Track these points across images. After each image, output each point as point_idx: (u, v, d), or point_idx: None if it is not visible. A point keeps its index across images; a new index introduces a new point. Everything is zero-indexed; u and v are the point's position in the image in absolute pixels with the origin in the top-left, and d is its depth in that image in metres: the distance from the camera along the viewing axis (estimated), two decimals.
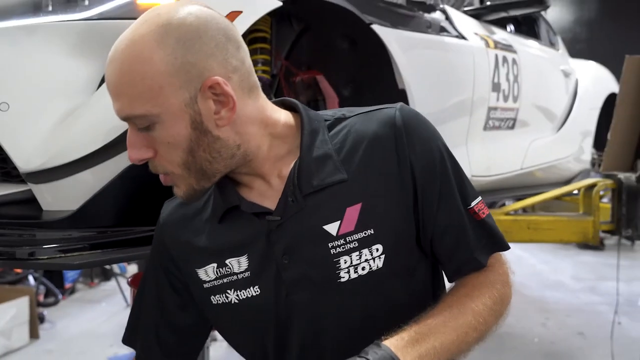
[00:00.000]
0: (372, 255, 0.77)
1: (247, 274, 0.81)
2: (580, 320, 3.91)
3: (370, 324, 0.77)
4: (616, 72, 3.61)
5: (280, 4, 1.30)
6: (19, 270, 4.28)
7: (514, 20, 2.82)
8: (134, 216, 1.15)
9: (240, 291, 0.81)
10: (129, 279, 1.59)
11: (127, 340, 0.95)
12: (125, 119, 0.73)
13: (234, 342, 0.90)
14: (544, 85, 2.90)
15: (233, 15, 1.21)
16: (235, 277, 0.82)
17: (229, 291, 0.82)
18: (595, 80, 3.65)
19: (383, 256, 0.78)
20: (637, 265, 5.09)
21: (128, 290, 4.35)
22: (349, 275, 0.77)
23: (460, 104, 2.08)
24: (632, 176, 2.27)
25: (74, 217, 1.07)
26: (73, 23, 1.11)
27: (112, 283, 4.87)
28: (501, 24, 2.64)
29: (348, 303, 0.79)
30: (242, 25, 1.23)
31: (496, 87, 2.26)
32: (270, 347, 0.84)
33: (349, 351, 0.71)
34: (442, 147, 0.82)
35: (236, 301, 0.82)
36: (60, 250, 1.05)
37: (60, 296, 4.43)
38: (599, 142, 3.51)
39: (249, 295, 0.81)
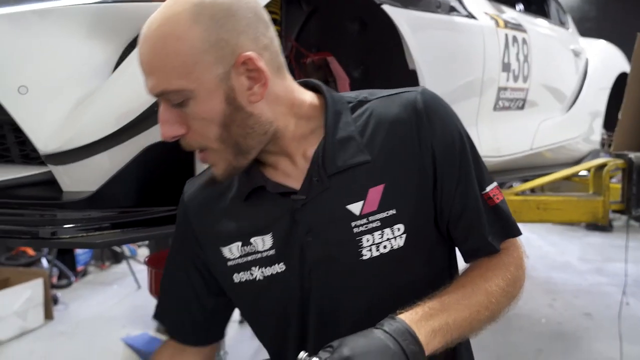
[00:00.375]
0: (393, 234, 0.79)
1: (272, 252, 0.83)
2: (588, 301, 3.93)
3: (389, 301, 0.79)
4: (626, 50, 3.57)
5: None
6: (32, 253, 4.35)
7: None
8: (152, 197, 1.17)
9: (265, 268, 0.83)
10: (146, 259, 1.62)
11: (157, 316, 0.98)
12: (159, 94, 0.74)
13: (254, 320, 0.93)
14: (554, 65, 2.88)
15: None
16: (259, 255, 0.84)
17: (253, 268, 0.84)
18: (606, 60, 3.61)
19: (404, 235, 0.80)
20: None
21: (139, 273, 4.42)
22: (371, 254, 0.79)
23: (470, 85, 2.08)
24: None
25: (93, 198, 1.09)
26: (87, 6, 1.12)
27: (123, 266, 4.93)
28: (510, 2, 2.61)
29: (368, 281, 0.81)
30: None
31: (506, 67, 2.25)
32: (291, 322, 0.86)
33: (365, 328, 0.73)
34: (462, 132, 0.83)
35: (261, 278, 0.84)
36: (81, 229, 1.08)
37: (72, 278, 4.50)
38: (609, 122, 3.49)
39: (275, 272, 0.83)
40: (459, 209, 0.83)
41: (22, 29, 1.08)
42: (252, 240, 0.84)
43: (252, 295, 0.87)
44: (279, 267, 0.83)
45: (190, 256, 0.92)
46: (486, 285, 0.79)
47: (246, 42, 0.73)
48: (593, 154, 3.34)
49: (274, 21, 1.59)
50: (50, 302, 3.73)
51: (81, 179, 1.11)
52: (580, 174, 2.61)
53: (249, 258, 0.84)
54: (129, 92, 1.12)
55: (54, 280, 4.33)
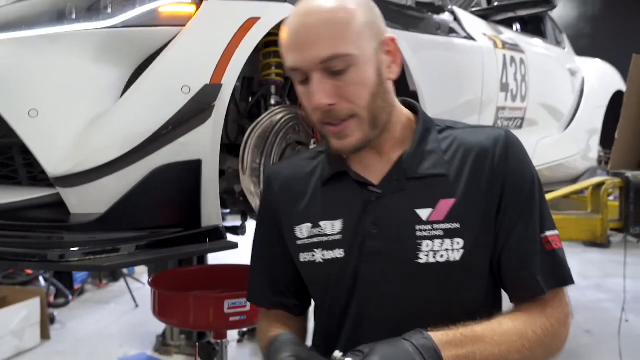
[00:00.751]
0: (452, 247, 0.83)
1: (338, 236, 0.88)
2: (587, 317, 3.92)
3: (425, 313, 0.83)
4: (620, 68, 3.63)
5: None
6: (29, 272, 4.32)
7: (521, 19, 2.83)
8: (160, 219, 1.18)
9: (326, 251, 0.89)
10: (149, 280, 1.62)
11: (250, 298, 1.04)
12: (325, 60, 0.80)
13: (314, 297, 0.98)
14: (551, 84, 2.92)
15: (251, 22, 1.24)
16: (325, 238, 0.89)
17: (316, 250, 0.90)
18: (601, 78, 3.66)
19: (462, 251, 0.83)
20: None
21: (136, 291, 4.39)
22: (428, 259, 0.83)
23: (470, 104, 2.11)
24: None
25: (101, 220, 1.10)
26: (97, 31, 1.14)
27: (120, 284, 4.90)
28: (508, 23, 2.66)
29: (415, 286, 0.85)
30: (260, 31, 1.26)
31: (504, 87, 2.28)
32: (336, 308, 0.90)
33: (394, 331, 0.77)
34: (535, 176, 0.89)
35: (320, 260, 0.89)
36: (89, 252, 1.08)
37: (70, 297, 4.46)
38: (606, 140, 3.53)
39: (334, 257, 0.88)
40: (514, 241, 0.86)
41: (32, 53, 1.09)
42: (321, 223, 0.90)
43: (311, 276, 0.93)
44: (339, 253, 0.88)
45: (274, 230, 0.98)
46: (523, 328, 0.81)
47: (383, 27, 0.86)
48: (590, 172, 3.37)
49: (275, 43, 1.62)
50: (47, 322, 3.69)
51: (90, 201, 1.12)
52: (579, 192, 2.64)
53: (315, 240, 0.90)
54: (138, 115, 1.13)
55: (51, 299, 4.29)
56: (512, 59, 2.36)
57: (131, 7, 1.17)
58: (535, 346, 0.81)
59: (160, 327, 3.49)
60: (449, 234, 0.83)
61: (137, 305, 4.31)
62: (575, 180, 3.27)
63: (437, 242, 0.83)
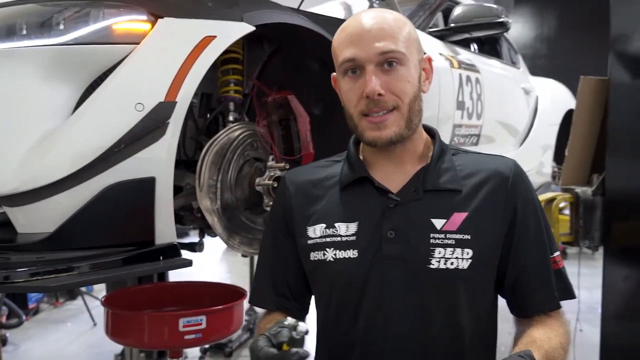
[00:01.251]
0: (462, 256, 0.91)
1: (352, 237, 0.95)
2: None
3: (429, 318, 0.92)
4: (575, 86, 3.78)
5: (253, 29, 1.34)
6: None
7: (478, 40, 2.93)
8: (111, 238, 1.16)
9: (339, 251, 0.95)
10: (102, 299, 1.59)
11: (252, 299, 1.07)
12: (386, 52, 0.91)
13: (316, 298, 1.03)
14: (506, 102, 3.02)
15: (207, 40, 1.24)
16: (338, 239, 0.95)
17: (327, 249, 0.96)
18: (555, 97, 3.81)
19: (471, 260, 0.91)
20: (598, 273, 5.24)
21: (94, 309, 4.27)
22: (439, 265, 0.91)
23: (426, 121, 2.14)
24: (588, 190, 2.40)
25: (50, 240, 1.08)
26: (48, 48, 1.13)
27: (78, 302, 4.75)
28: (465, 43, 2.74)
29: (425, 290, 0.92)
30: (216, 49, 1.27)
31: (460, 105, 2.35)
32: (344, 309, 0.96)
33: (401, 335, 0.88)
34: (538, 202, 0.99)
35: (332, 259, 0.95)
36: (36, 272, 1.05)
37: (23, 317, 4.29)
38: (559, 156, 3.66)
39: (346, 257, 0.94)
40: (532, 263, 0.95)
41: None
42: (336, 224, 0.97)
43: (319, 274, 0.98)
44: (352, 253, 0.94)
45: (285, 231, 1.04)
46: (562, 341, 0.92)
47: (420, 49, 0.98)
48: (545, 186, 3.48)
49: (236, 60, 1.63)
50: None
51: (38, 220, 1.09)
52: None
53: (327, 239, 0.96)
54: (89, 132, 1.12)
55: (3, 319, 4.13)
56: (468, 78, 2.43)
57: (84, 24, 1.16)
58: (567, 353, 0.92)
59: (119, 346, 3.40)
60: (460, 244, 0.91)
61: (95, 324, 4.19)
62: None
63: (449, 250, 0.91)
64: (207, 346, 3.46)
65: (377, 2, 2.52)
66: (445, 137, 2.31)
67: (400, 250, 0.92)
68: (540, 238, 0.96)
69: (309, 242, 0.98)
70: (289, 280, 1.03)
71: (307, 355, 0.78)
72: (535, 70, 3.91)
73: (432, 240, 0.91)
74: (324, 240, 0.97)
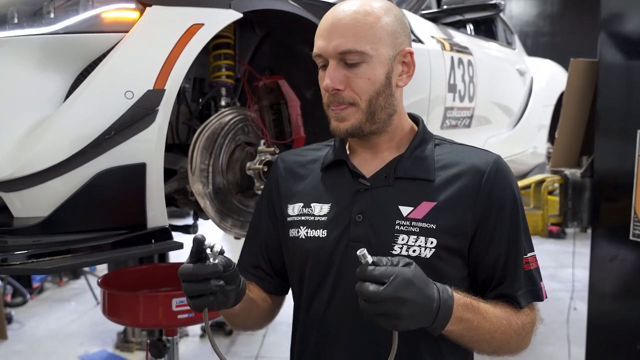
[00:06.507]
0: (425, 244, 0.93)
1: (324, 218, 0.99)
2: (541, 307, 4.07)
3: None
4: None
5: (241, 15, 1.36)
6: None
7: (474, 21, 2.92)
8: (104, 221, 1.20)
9: (310, 229, 1.00)
10: (99, 280, 1.64)
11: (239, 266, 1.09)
12: (342, 52, 0.93)
13: (289, 271, 1.06)
14: (500, 84, 3.02)
15: (195, 28, 1.27)
16: (312, 218, 1.00)
17: (302, 227, 1.01)
18: (550, 78, 3.80)
19: (434, 250, 0.93)
20: None
21: (97, 288, 4.35)
22: (401, 251, 0.93)
23: (418, 104, 2.18)
24: (577, 172, 2.43)
25: (45, 224, 1.12)
26: (39, 37, 1.15)
27: (81, 281, 4.85)
28: (462, 24, 2.74)
29: None
30: (204, 37, 1.29)
31: (452, 88, 2.36)
32: (307, 284, 1.00)
33: (360, 315, 0.84)
34: (517, 200, 0.98)
35: (303, 237, 1.00)
36: (32, 255, 1.10)
37: (28, 296, 4.39)
38: (554, 137, 3.68)
39: (316, 235, 0.99)
40: (501, 262, 0.96)
41: None
42: (312, 204, 1.01)
43: (292, 251, 1.03)
44: (321, 233, 0.99)
45: (269, 206, 1.08)
46: (509, 317, 0.93)
47: (407, 42, 0.99)
48: (539, 167, 3.51)
49: (228, 45, 1.65)
50: (3, 321, 3.64)
51: (33, 204, 1.14)
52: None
53: (302, 218, 1.01)
54: (80, 119, 1.16)
55: (8, 298, 4.22)
56: (460, 61, 2.44)
57: (74, 13, 1.18)
58: (513, 335, 0.93)
59: None
60: (424, 233, 0.93)
61: (98, 303, 4.28)
62: (524, 175, 3.40)
63: (412, 238, 0.93)
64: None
65: None
66: (436, 119, 2.33)
67: (365, 233, 0.95)
68: (514, 236, 0.96)
69: (288, 219, 1.03)
70: (270, 254, 1.08)
71: (219, 268, 0.82)
72: (537, 48, 3.90)
73: (397, 227, 0.94)
74: (300, 218, 1.01)
